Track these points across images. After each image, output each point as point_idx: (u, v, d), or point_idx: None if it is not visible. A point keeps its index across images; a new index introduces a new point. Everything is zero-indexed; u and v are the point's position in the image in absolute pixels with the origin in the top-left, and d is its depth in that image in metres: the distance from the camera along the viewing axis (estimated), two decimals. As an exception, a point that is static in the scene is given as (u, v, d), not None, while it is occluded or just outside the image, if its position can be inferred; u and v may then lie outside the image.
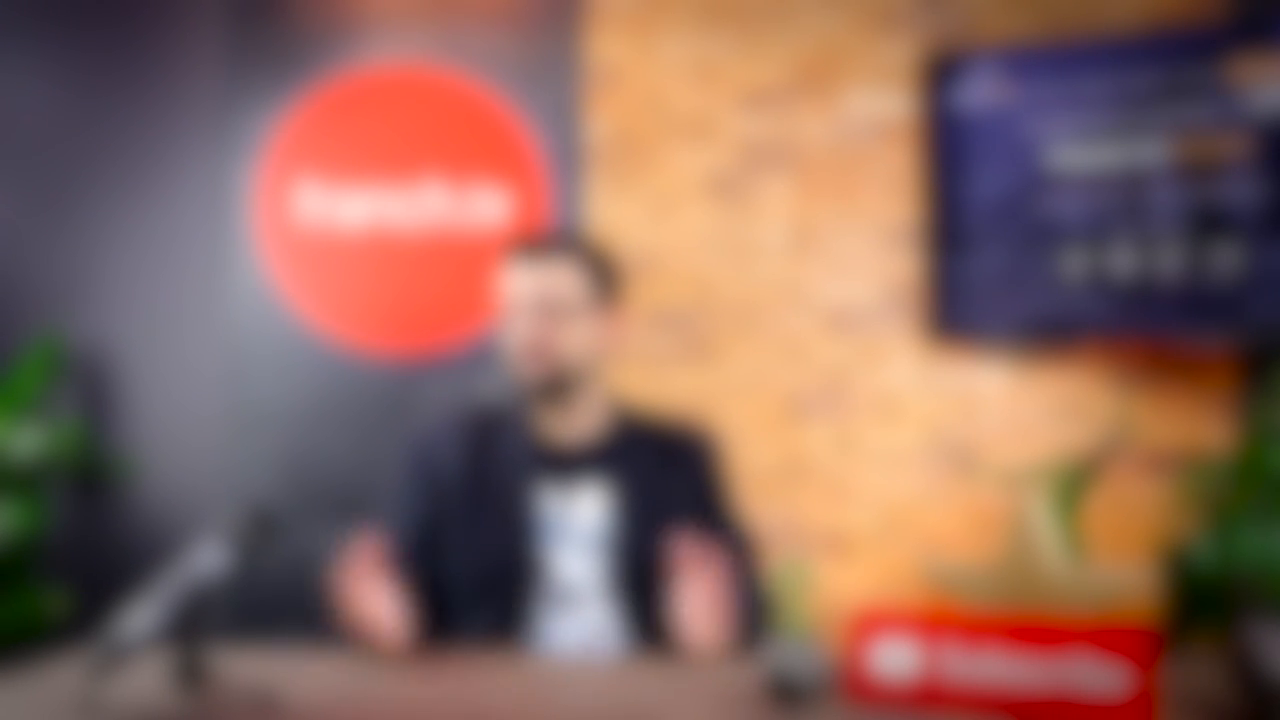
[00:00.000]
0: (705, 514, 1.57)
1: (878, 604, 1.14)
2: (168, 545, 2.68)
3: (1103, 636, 0.99)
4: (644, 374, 2.78)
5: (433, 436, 1.62)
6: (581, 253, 1.60)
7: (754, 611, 1.49)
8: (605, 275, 1.60)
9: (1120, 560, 2.50)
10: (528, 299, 1.54)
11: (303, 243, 2.84)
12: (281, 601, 2.65)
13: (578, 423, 1.58)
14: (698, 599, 1.39)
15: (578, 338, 1.55)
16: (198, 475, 2.82)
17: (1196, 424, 2.62)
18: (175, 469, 2.83)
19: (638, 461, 1.57)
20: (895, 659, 1.08)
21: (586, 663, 1.34)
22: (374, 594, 1.37)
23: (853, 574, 2.72)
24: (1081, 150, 2.60)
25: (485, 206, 2.84)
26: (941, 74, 2.73)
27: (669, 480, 1.58)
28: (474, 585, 1.53)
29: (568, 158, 2.84)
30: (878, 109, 2.80)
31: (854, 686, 1.09)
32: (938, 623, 1.06)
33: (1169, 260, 2.52)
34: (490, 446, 1.59)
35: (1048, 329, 2.64)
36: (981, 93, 2.68)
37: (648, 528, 1.50)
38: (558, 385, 1.55)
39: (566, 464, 1.56)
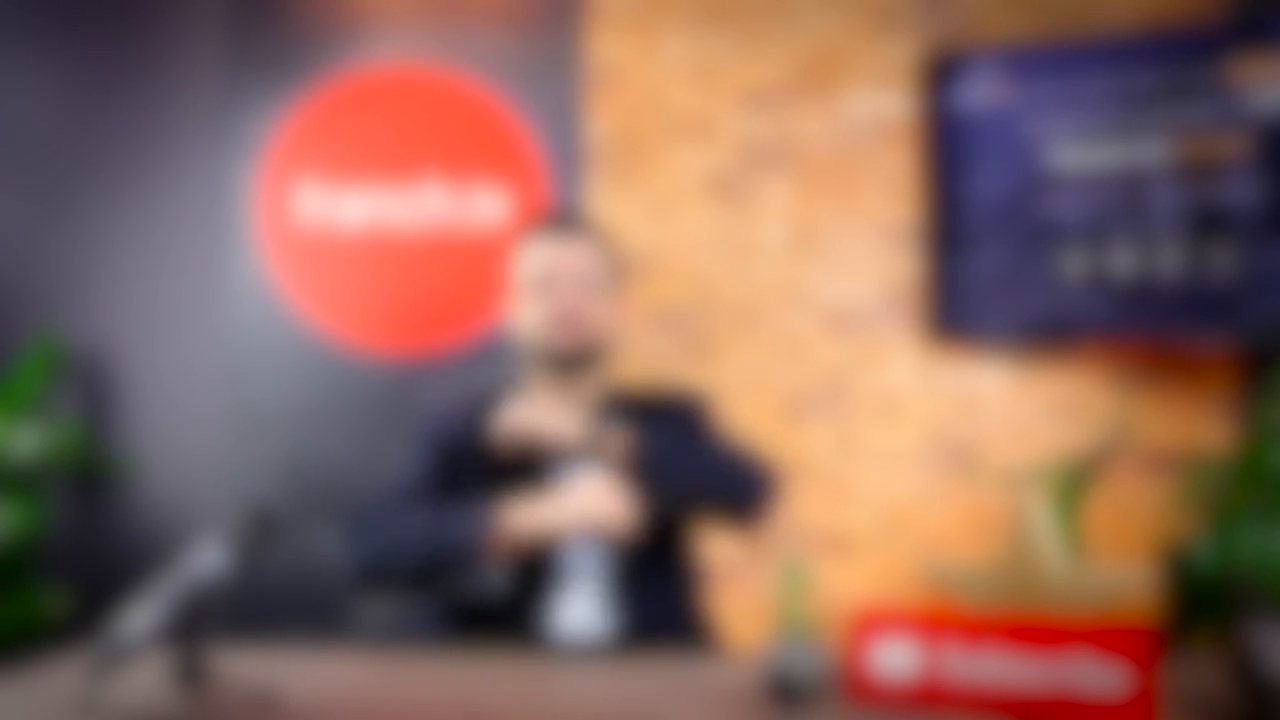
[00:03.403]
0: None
1: (878, 604, 1.14)
2: (168, 545, 2.68)
3: (1103, 636, 0.99)
4: (644, 374, 2.78)
5: (447, 414, 1.64)
6: (600, 235, 1.67)
7: (751, 470, 1.56)
8: (617, 260, 1.67)
9: (1120, 560, 2.50)
10: (560, 272, 1.58)
11: (303, 243, 2.84)
12: (281, 601, 2.65)
13: (578, 402, 1.61)
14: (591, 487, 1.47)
15: (603, 313, 1.60)
16: (198, 475, 2.82)
17: (1196, 424, 2.62)
18: (175, 469, 2.83)
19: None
20: (895, 659, 1.08)
21: (586, 661, 1.34)
22: (596, 491, 1.47)
23: (853, 574, 2.72)
24: (1081, 150, 2.60)
25: (485, 206, 2.84)
26: (941, 74, 2.73)
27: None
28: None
29: (568, 158, 2.84)
30: (878, 109, 2.80)
31: (854, 686, 1.09)
32: (938, 623, 1.06)
33: (1169, 260, 2.53)
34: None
35: (1048, 329, 2.64)
36: (981, 93, 2.68)
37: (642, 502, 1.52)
38: (583, 357, 1.59)
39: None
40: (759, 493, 1.55)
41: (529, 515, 1.46)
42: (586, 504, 1.45)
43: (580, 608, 1.51)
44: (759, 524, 1.56)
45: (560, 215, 1.68)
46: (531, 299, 1.58)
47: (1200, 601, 2.16)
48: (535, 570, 1.51)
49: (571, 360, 1.58)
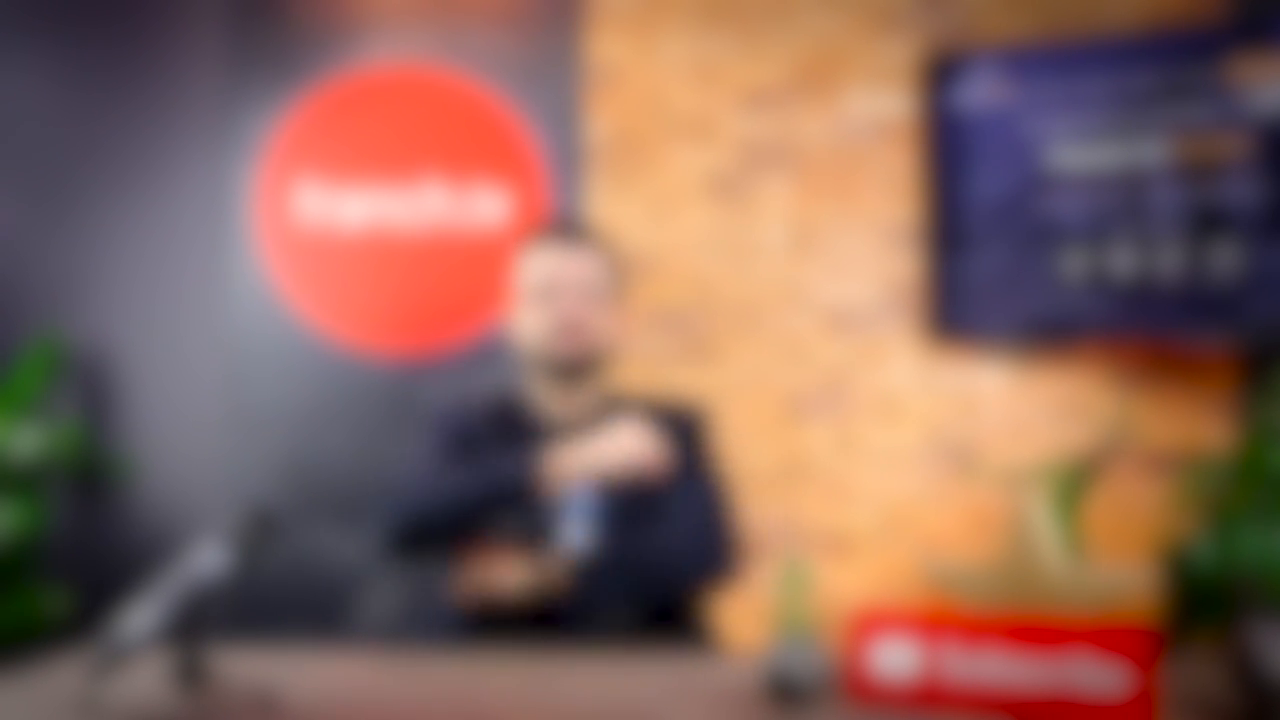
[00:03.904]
0: (687, 475, 1.61)
1: (878, 604, 1.14)
2: (168, 545, 2.68)
3: (1103, 636, 0.99)
4: (644, 374, 2.78)
5: (462, 411, 1.65)
6: (602, 243, 1.67)
7: (715, 545, 1.56)
8: (619, 268, 1.68)
9: (1120, 560, 2.50)
10: (563, 280, 1.59)
11: (303, 243, 2.84)
12: (281, 601, 2.65)
13: (577, 408, 1.62)
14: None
15: (605, 321, 1.61)
16: (198, 475, 2.82)
17: (1196, 424, 2.62)
18: (175, 469, 2.83)
19: None
20: (895, 659, 1.07)
21: (587, 660, 1.34)
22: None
23: (853, 574, 2.72)
24: (1081, 150, 2.60)
25: (485, 206, 2.84)
26: (941, 74, 2.73)
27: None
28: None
29: (568, 158, 2.84)
30: (878, 109, 2.80)
31: (854, 686, 1.09)
32: (938, 623, 1.06)
33: (1169, 260, 2.53)
34: (505, 426, 1.62)
35: (1048, 329, 2.64)
36: (981, 93, 2.68)
37: (638, 508, 1.52)
38: (584, 365, 1.60)
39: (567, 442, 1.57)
40: (718, 572, 1.55)
41: (568, 460, 1.48)
42: (623, 447, 1.48)
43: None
44: (714, 591, 1.58)
45: (563, 223, 1.69)
46: (534, 307, 1.59)
47: (1200, 601, 2.16)
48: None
49: (573, 368, 1.59)
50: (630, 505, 1.53)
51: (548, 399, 1.62)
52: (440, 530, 1.51)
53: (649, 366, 2.80)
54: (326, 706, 1.12)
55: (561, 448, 1.50)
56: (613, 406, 1.64)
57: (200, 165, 2.87)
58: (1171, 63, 2.54)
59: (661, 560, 1.53)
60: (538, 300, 1.59)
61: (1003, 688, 1.03)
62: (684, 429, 1.66)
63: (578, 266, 1.60)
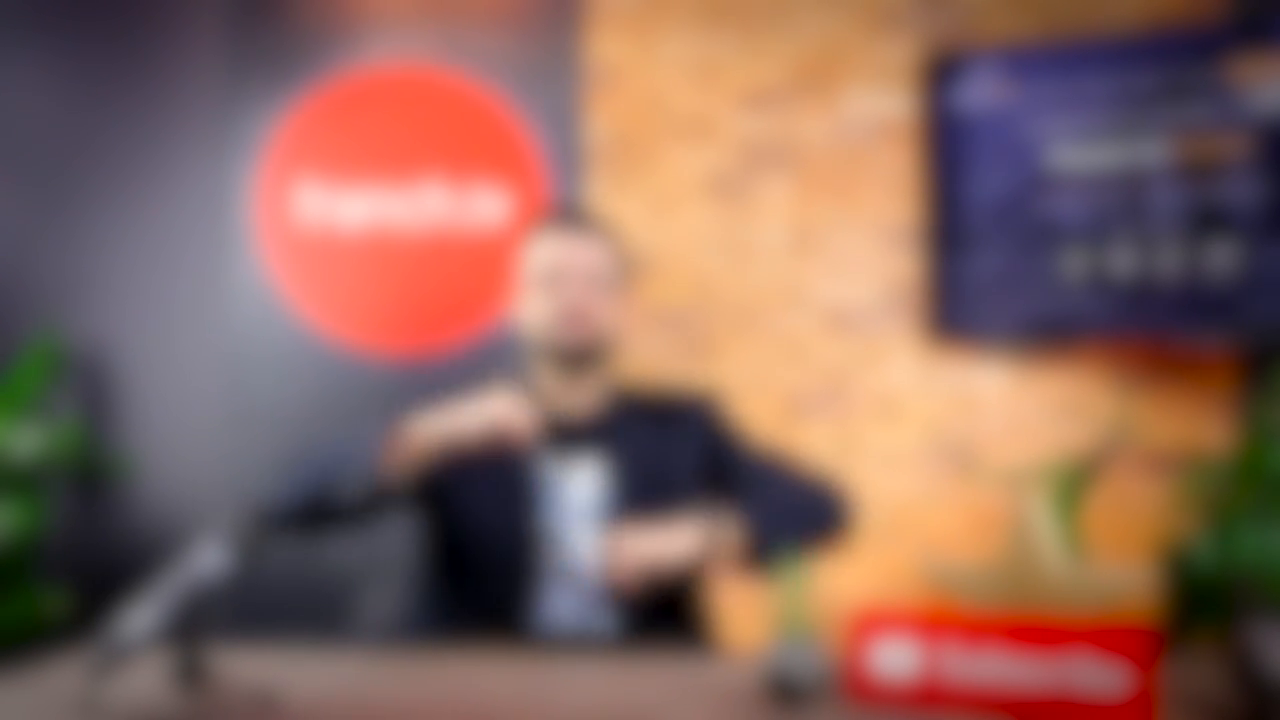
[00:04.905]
0: (719, 468, 1.60)
1: (878, 604, 1.14)
2: (168, 545, 2.68)
3: (1103, 636, 0.99)
4: (644, 374, 2.78)
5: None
6: (608, 232, 1.66)
7: (816, 527, 1.59)
8: (624, 257, 1.66)
9: (1120, 560, 2.50)
10: (568, 267, 1.57)
11: (303, 243, 2.84)
12: (281, 601, 2.65)
13: (582, 398, 1.60)
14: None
15: (610, 310, 1.59)
16: (198, 475, 2.82)
17: (1196, 424, 2.62)
18: (175, 469, 2.83)
19: (636, 434, 1.58)
20: (895, 659, 1.07)
21: (587, 660, 1.34)
22: (500, 400, 1.44)
23: (853, 574, 2.72)
24: (1081, 150, 2.60)
25: (485, 206, 2.84)
26: (941, 74, 2.73)
27: (668, 449, 1.59)
28: (478, 554, 1.54)
29: (568, 158, 2.84)
30: (878, 109, 2.80)
31: (854, 686, 1.09)
32: (938, 623, 1.06)
33: (1169, 260, 2.53)
34: None
35: (1048, 329, 2.64)
36: (981, 93, 2.68)
37: (645, 500, 1.52)
38: (588, 354, 1.58)
39: (567, 437, 1.57)
40: (847, 520, 1.61)
41: (428, 423, 1.44)
42: (489, 410, 1.43)
43: (576, 602, 1.51)
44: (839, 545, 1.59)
45: (569, 211, 1.68)
46: (539, 294, 1.57)
47: (1200, 601, 2.16)
48: (522, 567, 1.51)
49: (578, 356, 1.58)
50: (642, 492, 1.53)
51: (553, 389, 1.61)
52: (303, 515, 1.45)
53: (649, 366, 2.80)
54: (326, 706, 1.12)
55: (421, 415, 1.45)
56: (621, 403, 1.63)
57: (200, 165, 2.87)
58: (1171, 63, 2.54)
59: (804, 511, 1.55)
60: (543, 287, 1.57)
61: (1003, 688, 1.03)
62: (701, 419, 1.65)
63: (583, 254, 1.59)
